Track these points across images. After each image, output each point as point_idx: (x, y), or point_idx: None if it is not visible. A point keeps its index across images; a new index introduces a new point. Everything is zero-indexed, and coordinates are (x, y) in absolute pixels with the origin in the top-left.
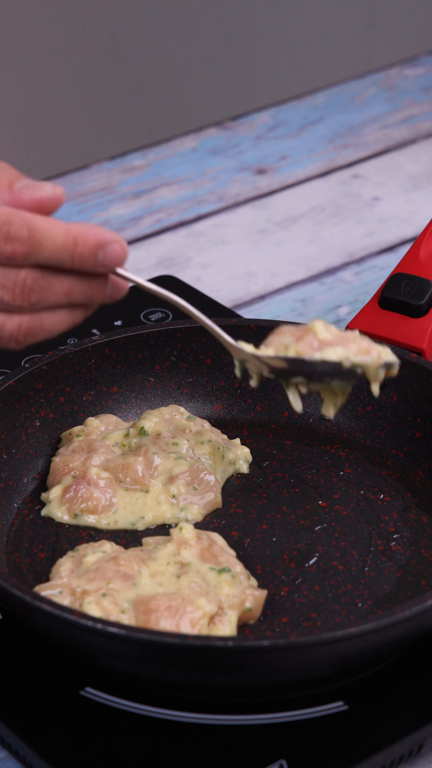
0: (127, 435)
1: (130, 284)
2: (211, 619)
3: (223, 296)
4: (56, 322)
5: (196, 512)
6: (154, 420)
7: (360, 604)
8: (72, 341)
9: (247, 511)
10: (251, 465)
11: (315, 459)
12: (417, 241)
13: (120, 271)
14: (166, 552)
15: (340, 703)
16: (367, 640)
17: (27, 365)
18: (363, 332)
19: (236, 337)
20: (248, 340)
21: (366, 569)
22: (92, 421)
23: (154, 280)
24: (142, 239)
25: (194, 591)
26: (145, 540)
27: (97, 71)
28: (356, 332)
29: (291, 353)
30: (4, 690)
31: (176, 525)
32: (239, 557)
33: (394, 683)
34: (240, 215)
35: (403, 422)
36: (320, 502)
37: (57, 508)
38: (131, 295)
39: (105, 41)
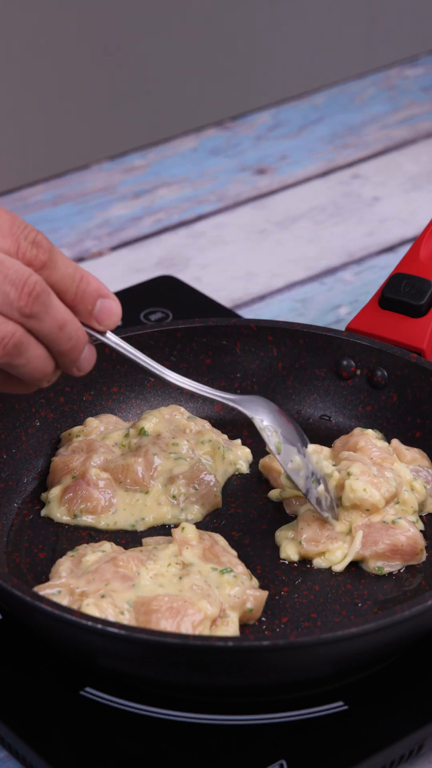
0: (127, 435)
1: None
2: (213, 622)
3: (223, 296)
4: (37, 356)
5: (197, 512)
6: (154, 420)
7: (360, 604)
8: None
9: (247, 511)
10: (251, 465)
11: None
12: (417, 241)
13: (109, 335)
14: (168, 553)
15: (340, 703)
16: (367, 640)
17: None
18: (363, 332)
19: (236, 337)
20: (248, 340)
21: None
22: (92, 421)
23: (154, 280)
24: (142, 239)
25: (196, 593)
26: (145, 540)
27: (97, 71)
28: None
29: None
30: (4, 690)
31: (177, 525)
32: (239, 557)
33: (394, 683)
34: (240, 215)
35: (403, 422)
36: None
37: (56, 508)
38: (131, 295)
39: (105, 41)
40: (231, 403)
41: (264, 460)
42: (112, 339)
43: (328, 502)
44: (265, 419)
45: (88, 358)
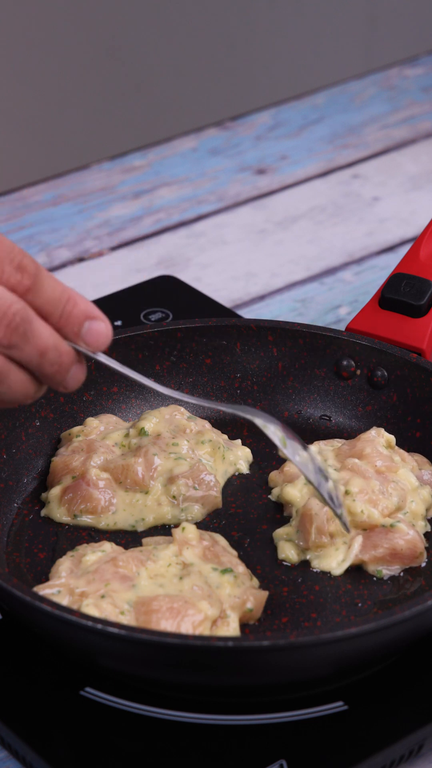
0: (127, 435)
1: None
2: (214, 622)
3: (223, 296)
4: (18, 382)
5: (197, 512)
6: (154, 420)
7: (360, 604)
8: None
9: (247, 511)
10: (251, 465)
11: None
12: (417, 241)
13: (100, 356)
14: (168, 553)
15: (340, 703)
16: (367, 640)
17: None
18: (363, 332)
19: (236, 337)
20: (248, 340)
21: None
22: (92, 422)
23: (154, 280)
24: (142, 239)
25: (196, 594)
26: (145, 540)
27: (97, 71)
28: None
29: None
30: (4, 690)
31: (177, 525)
32: (239, 557)
33: (394, 683)
34: (240, 215)
35: (403, 422)
36: None
37: (56, 508)
38: (131, 295)
39: (105, 42)
40: (227, 409)
41: (284, 491)
42: (102, 358)
43: (339, 499)
44: (263, 419)
45: (75, 377)
